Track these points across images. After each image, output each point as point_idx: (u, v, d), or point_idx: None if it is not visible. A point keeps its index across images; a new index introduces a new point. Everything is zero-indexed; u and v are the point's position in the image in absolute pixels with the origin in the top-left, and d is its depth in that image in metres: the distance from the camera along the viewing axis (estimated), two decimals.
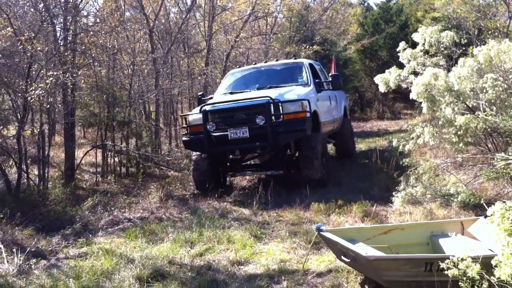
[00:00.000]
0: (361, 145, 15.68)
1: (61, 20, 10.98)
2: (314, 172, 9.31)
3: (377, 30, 27.04)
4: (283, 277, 5.28)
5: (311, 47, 17.70)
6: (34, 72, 10.00)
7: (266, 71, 11.50)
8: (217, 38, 17.50)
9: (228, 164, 10.61)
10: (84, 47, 11.41)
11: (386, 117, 25.84)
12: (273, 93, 9.51)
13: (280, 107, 9.17)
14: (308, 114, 9.21)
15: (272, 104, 9.06)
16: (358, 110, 28.61)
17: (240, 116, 9.29)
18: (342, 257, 4.63)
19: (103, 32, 11.38)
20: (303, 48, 17.56)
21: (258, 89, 10.48)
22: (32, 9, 10.42)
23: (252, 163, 11.57)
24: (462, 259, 3.75)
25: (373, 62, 27.80)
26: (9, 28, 8.98)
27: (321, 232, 4.85)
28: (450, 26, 20.60)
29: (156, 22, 14.00)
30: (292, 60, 12.21)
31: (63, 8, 10.73)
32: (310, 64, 11.55)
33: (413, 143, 8.10)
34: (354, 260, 4.47)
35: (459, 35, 9.26)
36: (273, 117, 9.08)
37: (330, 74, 11.56)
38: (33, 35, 9.48)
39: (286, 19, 20.54)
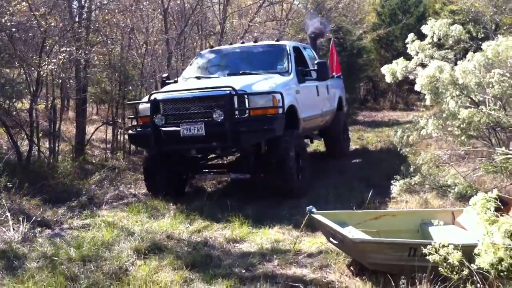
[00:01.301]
0: (369, 134, 15.74)
1: None
2: (285, 180, 7.68)
3: (394, 20, 26.87)
4: (274, 256, 5.45)
5: (333, 37, 17.64)
6: (47, 47, 10.20)
7: (241, 54, 9.82)
8: (232, 22, 17.58)
9: (187, 163, 8.72)
10: (98, 25, 11.58)
11: (398, 108, 25.79)
12: (240, 82, 7.91)
13: (246, 101, 7.57)
14: (280, 110, 7.64)
15: (235, 97, 7.48)
16: (371, 100, 28.55)
17: (195, 109, 7.69)
18: (331, 239, 4.79)
19: (117, 10, 11.53)
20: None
21: (229, 75, 8.98)
22: None
23: (216, 162, 9.81)
24: (443, 246, 3.88)
25: (389, 52, 27.64)
26: (24, 3, 9.16)
27: (312, 214, 5.01)
28: (467, 19, 20.54)
29: (171, 2, 14.10)
30: (272, 42, 10.61)
31: None
32: (296, 48, 9.92)
33: (417, 135, 8.18)
34: (341, 242, 4.63)
35: (476, 29, 9.31)
36: (236, 113, 7.54)
37: (315, 62, 9.62)
38: (48, 10, 9.67)
39: (302, 5, 20.54)
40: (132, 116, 8.89)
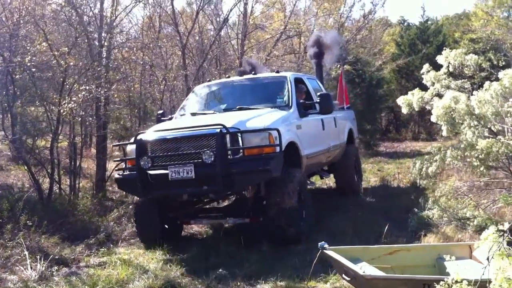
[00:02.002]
0: (390, 166, 15.58)
1: (96, 36, 11.40)
2: (285, 225, 7.02)
3: (414, 50, 26.86)
4: None
5: (342, 66, 17.72)
6: (67, 86, 10.41)
7: (239, 87, 9.34)
8: (250, 56, 17.79)
9: (180, 207, 8.14)
10: (117, 63, 11.81)
11: (421, 138, 25.57)
12: (234, 118, 7.37)
13: (239, 139, 6.97)
14: (278, 149, 6.97)
15: (228, 135, 6.88)
16: (393, 130, 28.39)
17: (184, 150, 7.07)
18: (344, 275, 4.71)
19: (135, 48, 11.77)
20: (334, 67, 17.64)
21: (226, 110, 8.47)
22: (65, 24, 10.85)
23: (212, 206, 9.01)
24: (457, 281, 3.79)
25: (409, 82, 27.54)
26: (44, 43, 9.41)
27: (324, 250, 4.94)
28: (487, 48, 20.46)
29: (190, 39, 14.36)
30: (272, 74, 9.92)
31: (98, 25, 11.17)
32: (298, 79, 9.33)
33: (436, 166, 8.09)
34: (354, 278, 4.54)
35: (497, 57, 9.23)
36: (229, 153, 6.92)
37: (318, 94, 8.93)
38: (67, 50, 9.91)
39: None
40: (119, 159, 8.50)
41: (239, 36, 16.67)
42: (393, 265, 5.00)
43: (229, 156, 6.89)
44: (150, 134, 7.47)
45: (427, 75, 9.18)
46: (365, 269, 4.46)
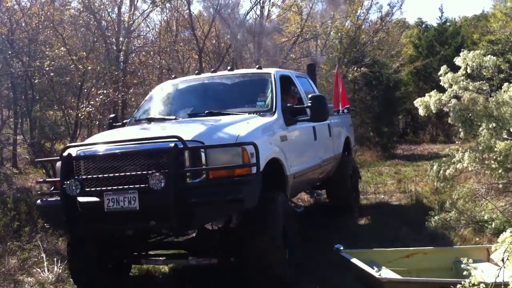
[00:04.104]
0: (407, 169, 15.48)
1: (113, 40, 11.51)
2: (262, 267, 5.25)
3: (432, 52, 26.71)
4: None
5: (359, 69, 17.70)
6: (85, 90, 10.54)
7: (212, 86, 7.48)
8: (267, 59, 17.80)
9: (127, 243, 6.07)
10: (134, 67, 11.91)
11: (439, 141, 25.37)
12: (196, 128, 5.55)
13: (202, 156, 5.06)
14: (254, 169, 5.06)
15: (187, 151, 5.01)
16: (411, 132, 28.21)
17: (126, 171, 5.06)
18: (359, 278, 4.69)
19: (152, 53, 11.86)
20: (351, 69, 17.60)
21: (191, 115, 6.62)
22: (83, 29, 10.99)
23: (170, 240, 6.38)
24: (474, 284, 3.75)
25: (427, 84, 27.37)
26: (62, 48, 9.54)
27: (340, 253, 4.93)
28: (506, 49, 20.27)
29: (207, 42, 14.43)
30: (252, 70, 7.84)
31: (116, 29, 11.28)
32: (285, 78, 7.44)
33: (454, 168, 8.02)
34: (370, 282, 4.52)
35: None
36: (187, 175, 5.07)
37: (309, 96, 6.90)
38: (85, 54, 10.04)
39: (337, 40, 20.66)
40: (42, 180, 6.63)
41: (256, 40, 16.68)
42: (409, 268, 4.97)
43: (187, 180, 5.05)
44: (81, 147, 5.56)
45: (445, 77, 9.10)
46: (381, 272, 4.44)
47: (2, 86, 13.63)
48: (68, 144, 6.34)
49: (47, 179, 6.52)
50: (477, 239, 6.70)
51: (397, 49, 25.09)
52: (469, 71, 8.89)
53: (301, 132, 7.11)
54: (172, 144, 4.96)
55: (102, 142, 5.58)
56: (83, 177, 5.19)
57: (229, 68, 8.02)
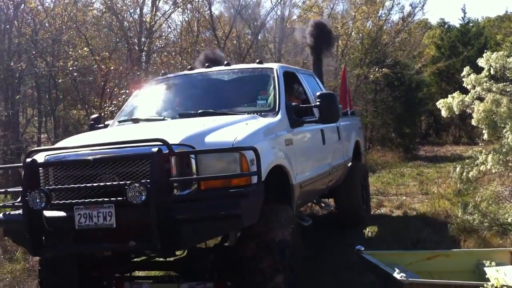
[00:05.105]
0: (430, 170, 15.35)
1: (135, 41, 11.62)
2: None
3: (454, 53, 26.45)
4: None
5: (381, 69, 17.60)
6: (108, 90, 10.65)
7: (206, 83, 6.57)
8: (287, 59, 17.79)
9: (107, 263, 5.26)
10: (156, 67, 12.00)
11: (462, 142, 25.13)
12: (186, 129, 4.71)
13: (192, 163, 4.26)
14: (255, 179, 4.27)
15: (173, 157, 4.20)
16: (433, 134, 27.99)
17: (102, 180, 4.28)
18: (380, 280, 4.66)
19: (173, 53, 11.94)
20: (372, 70, 17.50)
21: (182, 116, 5.71)
22: (105, 29, 11.13)
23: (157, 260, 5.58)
24: (496, 287, 3.71)
25: (450, 85, 27.13)
26: (86, 48, 9.66)
27: (361, 254, 4.90)
28: None
29: (227, 43, 14.47)
30: (252, 65, 6.90)
31: (138, 30, 11.38)
32: (289, 74, 6.54)
33: (477, 170, 7.93)
34: (391, 283, 4.49)
35: None
36: (174, 185, 4.24)
37: (317, 94, 5.86)
38: (107, 54, 10.15)
39: (359, 40, 20.58)
40: (3, 190, 5.29)
41: (276, 40, 16.69)
42: (431, 271, 4.93)
43: (173, 192, 4.23)
44: (50, 152, 4.74)
45: (468, 78, 9.00)
46: (402, 273, 4.40)
47: (26, 86, 13.86)
48: (33, 148, 5.21)
49: (8, 189, 5.33)
50: (500, 241, 6.61)
51: (419, 50, 24.88)
52: (492, 72, 8.79)
53: (309, 135, 6.30)
54: (155, 149, 4.10)
55: (74, 146, 4.67)
56: (48, 187, 4.35)
57: (225, 63, 7.08)
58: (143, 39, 11.66)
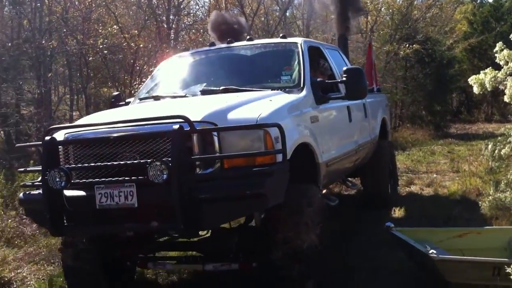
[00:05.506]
0: (461, 148, 15.15)
1: (164, 18, 11.65)
2: (296, 274, 4.35)
3: (487, 29, 25.86)
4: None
5: (411, 46, 17.30)
6: (137, 68, 10.74)
7: (228, 59, 6.39)
8: (316, 36, 17.62)
9: (130, 243, 5.10)
10: (184, 45, 12.03)
11: (494, 120, 24.73)
12: (208, 106, 4.54)
13: (215, 141, 4.10)
14: (280, 157, 4.11)
15: (195, 134, 4.06)
16: (465, 111, 27.56)
17: (123, 159, 4.16)
18: (410, 256, 4.66)
19: (202, 30, 11.94)
20: (402, 46, 17.22)
21: (204, 92, 5.52)
22: (134, 7, 11.18)
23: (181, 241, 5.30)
24: None
25: (482, 62, 26.55)
26: (115, 26, 9.73)
27: (391, 231, 4.89)
28: None
29: (255, 20, 14.39)
30: (276, 40, 6.61)
31: (166, 7, 11.40)
32: (313, 49, 6.33)
33: (509, 148, 7.81)
34: (421, 260, 4.48)
35: None
36: (196, 164, 4.09)
37: (344, 69, 5.65)
38: (136, 32, 10.21)
39: (389, 16, 20.24)
40: (23, 170, 5.35)
41: (305, 17, 16.53)
42: (462, 248, 4.89)
43: (196, 171, 4.10)
44: (68, 130, 4.64)
45: (501, 54, 8.76)
46: (433, 250, 4.38)
47: (58, 64, 14.06)
48: (53, 126, 5.04)
49: (28, 168, 5.36)
50: None
51: (450, 26, 24.40)
52: None
53: (335, 112, 6.11)
54: (176, 126, 3.94)
55: (93, 123, 4.55)
56: (68, 166, 4.24)
57: (248, 37, 6.83)
58: (171, 17, 11.68)
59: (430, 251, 4.28)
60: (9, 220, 7.16)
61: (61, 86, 17.22)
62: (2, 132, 13.07)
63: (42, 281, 5.58)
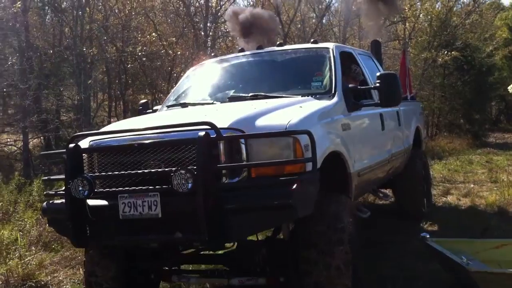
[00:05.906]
0: (499, 158, 14.86)
1: (201, 26, 11.81)
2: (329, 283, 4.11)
3: None
4: None
5: (450, 52, 17.07)
6: (175, 75, 10.90)
7: (258, 65, 6.26)
8: (352, 43, 17.55)
9: (155, 255, 4.98)
10: (221, 52, 12.15)
11: None
12: (236, 112, 4.37)
13: (242, 149, 3.92)
14: (310, 166, 3.93)
15: (221, 142, 3.88)
16: (504, 120, 27.01)
17: (147, 167, 4.03)
18: (446, 268, 4.60)
19: (238, 37, 12.03)
20: (441, 53, 17.00)
21: (232, 99, 5.38)
22: (172, 15, 11.36)
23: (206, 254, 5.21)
24: None
25: None
26: (154, 34, 9.92)
27: (426, 242, 4.85)
28: None
29: (292, 27, 14.44)
30: (307, 45, 6.47)
31: (204, 15, 11.55)
32: (346, 54, 6.20)
33: None
34: (457, 272, 4.43)
35: None
36: (222, 173, 3.91)
37: (378, 75, 5.41)
38: (174, 40, 10.38)
39: (427, 22, 20.01)
40: (46, 178, 5.27)
41: (341, 23, 16.48)
42: (499, 260, 4.81)
43: (222, 180, 3.94)
44: (93, 138, 4.50)
45: None
46: (469, 262, 4.33)
47: (97, 71, 14.37)
48: (77, 133, 4.96)
49: (51, 177, 5.30)
50: None
51: (490, 32, 23.95)
52: None
53: (367, 120, 5.88)
54: (202, 133, 3.77)
55: (117, 130, 4.42)
56: (91, 175, 4.10)
57: (278, 43, 6.83)
58: (208, 24, 11.82)
59: (466, 263, 4.23)
60: (47, 225, 7.33)
61: (100, 92, 17.58)
62: (42, 137, 13.43)
63: (78, 285, 5.69)
